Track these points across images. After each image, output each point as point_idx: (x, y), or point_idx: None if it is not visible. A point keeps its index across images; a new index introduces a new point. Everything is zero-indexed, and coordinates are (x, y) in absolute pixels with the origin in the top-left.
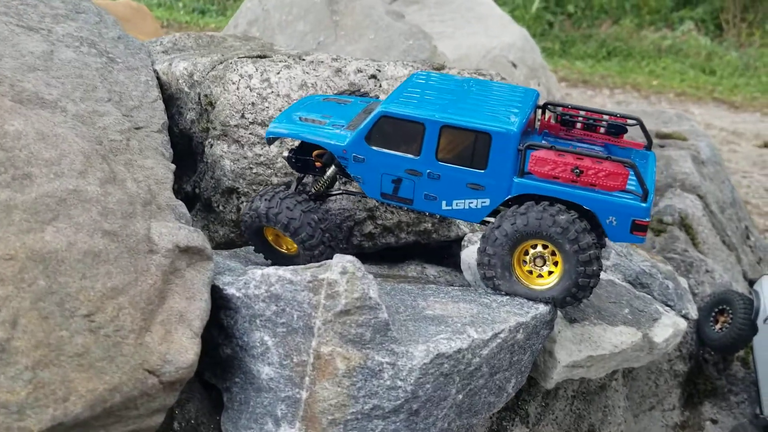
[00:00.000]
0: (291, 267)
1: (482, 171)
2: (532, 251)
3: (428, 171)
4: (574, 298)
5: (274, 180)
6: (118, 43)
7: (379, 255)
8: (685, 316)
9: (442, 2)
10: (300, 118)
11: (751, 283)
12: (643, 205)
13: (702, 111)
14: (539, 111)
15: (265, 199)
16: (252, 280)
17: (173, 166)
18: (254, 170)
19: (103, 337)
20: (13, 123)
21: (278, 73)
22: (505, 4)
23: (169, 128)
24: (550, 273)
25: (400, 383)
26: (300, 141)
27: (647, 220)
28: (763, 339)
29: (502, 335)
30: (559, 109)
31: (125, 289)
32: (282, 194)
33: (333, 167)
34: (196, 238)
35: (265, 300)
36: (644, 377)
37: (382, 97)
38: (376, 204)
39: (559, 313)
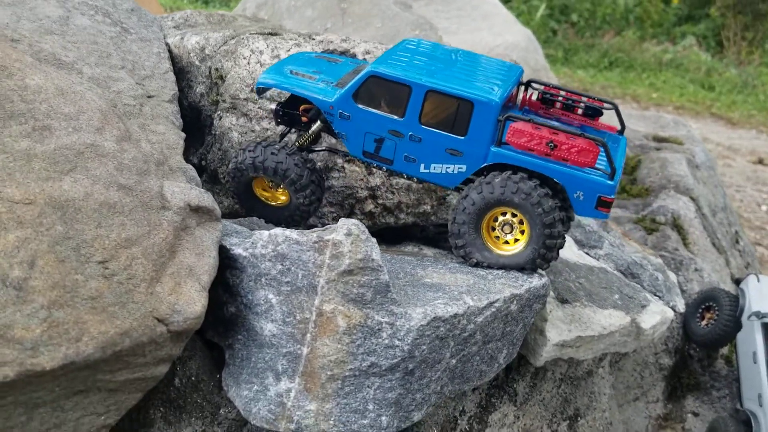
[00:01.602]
0: (297, 230)
1: (462, 137)
2: (501, 218)
3: (410, 133)
4: (543, 260)
5: None
6: (131, 14)
7: (378, 235)
8: (672, 308)
9: None
10: (291, 72)
11: (738, 282)
12: (610, 182)
13: (699, 125)
14: (522, 88)
15: (249, 150)
16: (259, 240)
17: (183, 134)
18: None
19: (116, 284)
20: (33, 77)
21: (288, 50)
22: (510, 9)
23: (179, 101)
24: (516, 240)
25: (397, 343)
26: (288, 95)
27: (612, 197)
28: (746, 335)
29: (496, 304)
30: (541, 87)
31: (138, 241)
32: (264, 143)
33: (318, 123)
34: (206, 198)
35: (271, 259)
36: (630, 369)
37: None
38: (378, 183)
39: (551, 293)
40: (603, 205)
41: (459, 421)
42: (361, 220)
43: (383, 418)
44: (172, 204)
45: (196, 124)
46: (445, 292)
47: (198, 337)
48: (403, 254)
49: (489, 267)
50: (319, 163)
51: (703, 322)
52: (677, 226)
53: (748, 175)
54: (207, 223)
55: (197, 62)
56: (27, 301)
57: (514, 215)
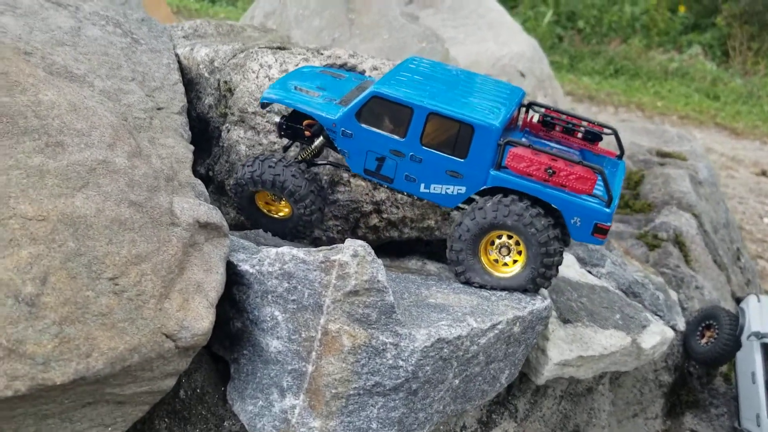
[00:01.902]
0: (304, 248)
1: (462, 160)
2: (498, 241)
3: (411, 153)
4: (543, 278)
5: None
6: (141, 25)
7: (382, 249)
8: (673, 327)
9: (456, 8)
10: (295, 87)
11: (738, 300)
12: (607, 210)
13: (703, 135)
14: (523, 109)
15: (247, 166)
16: (266, 258)
17: (192, 147)
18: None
19: (126, 300)
20: (47, 93)
21: (297, 64)
22: (517, 15)
23: (187, 112)
24: (515, 262)
25: (401, 363)
26: (293, 109)
27: (609, 224)
28: (745, 355)
29: (499, 326)
30: (542, 110)
31: (148, 257)
32: (262, 157)
33: (321, 138)
34: (214, 215)
35: (278, 277)
36: (630, 385)
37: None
38: (383, 198)
39: (553, 312)
40: (599, 232)
41: None
42: (365, 233)
43: None
44: (181, 220)
45: (204, 135)
46: (449, 313)
47: (204, 350)
48: (408, 270)
49: (482, 287)
50: (324, 177)
51: (703, 341)
52: (679, 243)
53: (750, 187)
54: (215, 239)
55: (206, 74)
56: (39, 317)
57: (509, 237)
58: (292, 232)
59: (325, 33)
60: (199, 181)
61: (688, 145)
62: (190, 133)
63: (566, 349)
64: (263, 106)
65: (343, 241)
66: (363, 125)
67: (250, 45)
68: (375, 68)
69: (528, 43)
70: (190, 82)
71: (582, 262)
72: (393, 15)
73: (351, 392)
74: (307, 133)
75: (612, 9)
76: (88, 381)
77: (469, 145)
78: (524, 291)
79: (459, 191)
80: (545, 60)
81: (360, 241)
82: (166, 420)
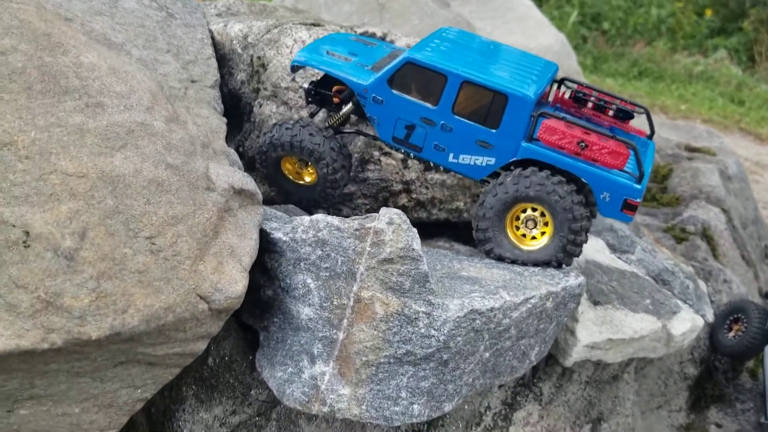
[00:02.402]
0: (339, 217)
1: (494, 130)
2: (523, 215)
3: (442, 122)
4: (573, 245)
5: None
6: (176, 0)
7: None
8: (702, 317)
9: (484, 0)
10: (327, 52)
11: (766, 295)
12: (638, 186)
13: (728, 140)
14: (555, 85)
15: (287, 128)
16: (300, 225)
17: (225, 120)
18: None
19: (162, 260)
20: (87, 55)
21: None
22: (542, 14)
23: (219, 87)
24: (543, 233)
25: (433, 332)
26: (322, 75)
27: (638, 200)
28: None
29: (532, 300)
30: (575, 86)
31: (184, 219)
32: (303, 122)
33: (350, 105)
34: (249, 182)
35: (311, 244)
36: (655, 376)
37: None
38: (413, 178)
39: (583, 294)
40: (629, 208)
41: (484, 417)
42: None
43: (415, 406)
44: (216, 185)
45: (236, 111)
46: (482, 285)
47: (233, 318)
48: (438, 248)
49: (514, 262)
50: (355, 155)
51: (731, 334)
52: (707, 237)
53: None
54: (249, 206)
55: (239, 50)
56: (77, 271)
57: (534, 210)
58: (321, 195)
59: (354, 17)
60: (233, 150)
61: (717, 141)
62: (222, 106)
63: (596, 331)
64: (293, 69)
65: None
66: (395, 91)
67: (284, 21)
68: (409, 46)
69: (556, 38)
70: (222, 58)
71: (612, 248)
72: (424, 1)
73: (381, 360)
74: (335, 99)
75: (638, 11)
76: (123, 338)
77: (501, 115)
78: (557, 263)
79: (488, 162)
80: (573, 55)
81: (396, 210)
82: (193, 387)
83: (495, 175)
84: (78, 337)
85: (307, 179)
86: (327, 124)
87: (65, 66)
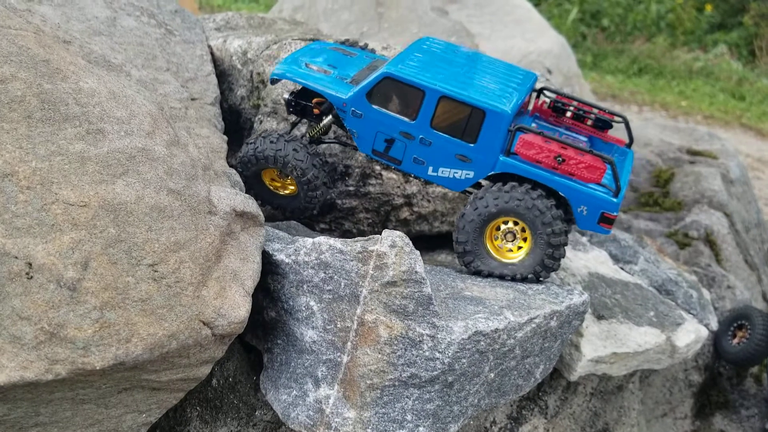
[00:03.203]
0: (341, 239)
1: (472, 144)
2: (503, 227)
3: (421, 136)
4: (551, 259)
5: None
6: (175, 16)
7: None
8: (706, 326)
9: (482, 4)
10: (306, 64)
11: None
12: (614, 200)
13: (729, 136)
14: (534, 94)
15: (271, 141)
16: (302, 248)
17: (226, 138)
18: None
19: (165, 287)
20: (87, 81)
21: None
22: (541, 12)
23: (219, 103)
24: (519, 248)
25: (438, 355)
26: (302, 86)
27: (615, 214)
28: None
29: (537, 320)
30: (554, 95)
31: (186, 245)
32: (288, 137)
33: (330, 116)
34: (251, 204)
35: (314, 267)
36: (659, 384)
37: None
38: (414, 191)
39: (588, 309)
40: (605, 221)
41: None
42: (396, 227)
43: (421, 428)
44: (218, 209)
45: (236, 127)
46: (486, 306)
47: (236, 339)
48: (441, 264)
49: (490, 275)
50: (356, 169)
51: (735, 341)
52: (710, 242)
53: None
54: (251, 228)
55: (239, 66)
56: (80, 302)
57: (515, 223)
58: (299, 208)
59: (353, 27)
60: (234, 171)
61: (719, 143)
62: (223, 123)
63: (600, 346)
64: (273, 82)
65: (374, 234)
66: (373, 106)
67: (283, 36)
68: (385, 48)
69: (555, 40)
70: (222, 74)
71: (615, 259)
72: (423, 9)
73: (386, 383)
74: (316, 110)
75: (637, 7)
76: (127, 366)
77: (479, 129)
78: (535, 276)
79: (467, 176)
80: (573, 57)
81: (398, 232)
82: (198, 408)
83: (478, 185)
84: (82, 368)
85: (287, 191)
86: (308, 135)
87: (65, 92)
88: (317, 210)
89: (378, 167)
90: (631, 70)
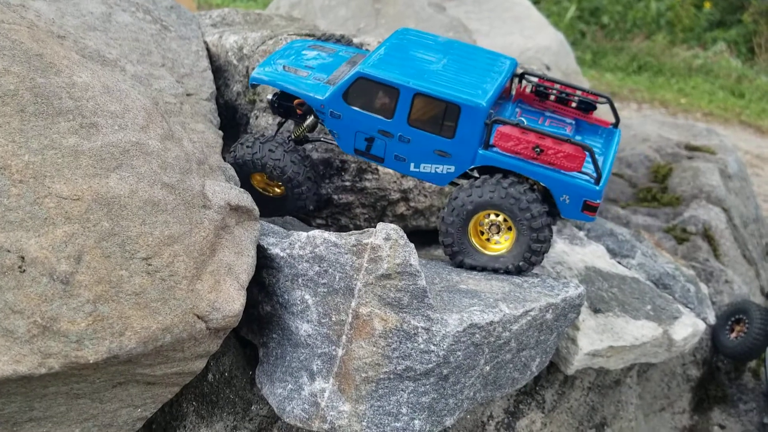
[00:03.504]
0: (336, 233)
1: (449, 139)
2: (486, 220)
3: (399, 134)
4: (528, 263)
5: (315, 155)
6: (171, 12)
7: (408, 238)
8: (703, 320)
9: (481, 0)
10: (284, 67)
11: None
12: (596, 187)
13: (728, 133)
14: (516, 79)
15: (247, 146)
16: (297, 241)
17: (221, 133)
18: None
19: (158, 280)
20: (81, 75)
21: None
22: (540, 10)
23: (215, 99)
24: (505, 239)
25: (433, 348)
26: None
27: (598, 201)
28: None
29: (532, 313)
30: (535, 79)
31: (180, 238)
32: (263, 139)
33: (312, 117)
34: (245, 198)
35: (308, 260)
36: (657, 379)
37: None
38: (411, 186)
39: (584, 302)
40: (588, 209)
41: (487, 427)
42: (392, 222)
43: (416, 421)
44: (213, 203)
45: (232, 123)
46: (481, 298)
47: (232, 334)
48: (437, 258)
49: (473, 268)
50: (353, 164)
51: (733, 335)
52: (708, 237)
53: None
54: (246, 223)
55: (235, 61)
56: (73, 295)
57: (497, 215)
58: (292, 207)
59: (350, 22)
60: (229, 166)
61: (717, 139)
62: (218, 119)
63: (597, 339)
64: (253, 86)
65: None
66: (350, 106)
67: (279, 32)
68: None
69: (554, 37)
70: (218, 70)
71: (612, 253)
72: (420, 5)
73: (381, 376)
74: (298, 111)
75: (637, 5)
76: (121, 360)
77: (456, 124)
78: (517, 269)
79: (448, 170)
80: (572, 54)
81: (392, 225)
82: (194, 403)
83: (466, 176)
84: (75, 361)
85: (277, 191)
86: (294, 135)
87: (58, 87)
88: (312, 205)
89: (374, 163)
90: (630, 68)
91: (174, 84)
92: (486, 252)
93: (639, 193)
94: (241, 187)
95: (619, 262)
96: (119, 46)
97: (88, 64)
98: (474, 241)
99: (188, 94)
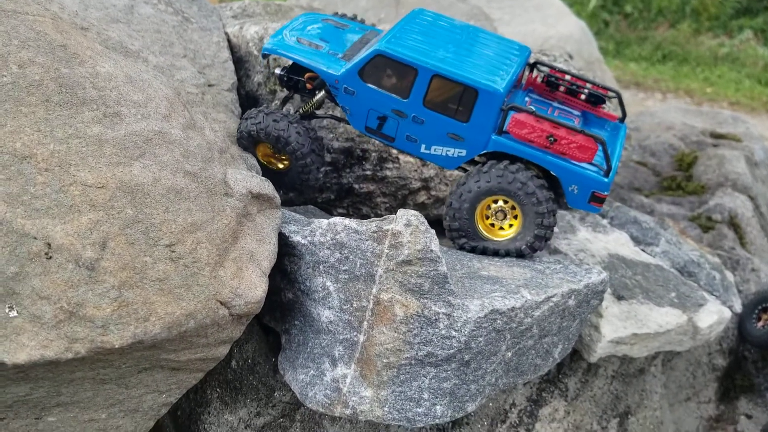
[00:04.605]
0: (356, 219)
1: (464, 123)
2: (494, 206)
3: (413, 115)
4: (531, 248)
5: (336, 144)
6: (192, 4)
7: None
8: (729, 308)
9: None
10: (298, 39)
11: None
12: (605, 179)
13: (756, 122)
14: (528, 68)
15: (251, 118)
16: (318, 228)
17: None
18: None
19: (182, 267)
20: (104, 65)
21: None
22: (563, 0)
23: (237, 89)
24: (510, 226)
25: (454, 333)
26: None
27: (606, 193)
28: None
29: (554, 299)
30: (547, 69)
31: (203, 226)
32: (267, 110)
33: (323, 92)
34: (267, 186)
35: (329, 247)
36: (683, 368)
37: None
38: (432, 175)
39: (607, 290)
40: (596, 200)
41: (509, 414)
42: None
43: (438, 407)
44: (234, 191)
45: None
46: (503, 285)
47: (255, 321)
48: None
49: (472, 251)
50: (373, 153)
51: (760, 324)
52: (734, 225)
53: None
54: (267, 210)
55: (255, 52)
56: (99, 281)
57: (505, 201)
58: (297, 181)
59: (371, 13)
60: (250, 155)
61: (743, 126)
62: (240, 109)
63: (620, 326)
64: (263, 56)
65: None
66: (366, 83)
67: None
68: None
69: (576, 25)
70: (239, 60)
71: (636, 240)
72: None
73: (403, 362)
74: (308, 85)
75: None
76: (145, 345)
77: (472, 108)
78: (519, 255)
79: (459, 154)
80: (594, 42)
81: (413, 211)
82: (218, 390)
83: (473, 162)
84: (101, 346)
85: (281, 166)
86: (301, 110)
87: (82, 77)
88: (316, 180)
89: (395, 151)
90: (654, 57)
91: (196, 75)
92: (492, 237)
93: (663, 181)
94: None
95: (643, 250)
96: (141, 38)
97: (111, 55)
98: (480, 226)
99: (210, 85)
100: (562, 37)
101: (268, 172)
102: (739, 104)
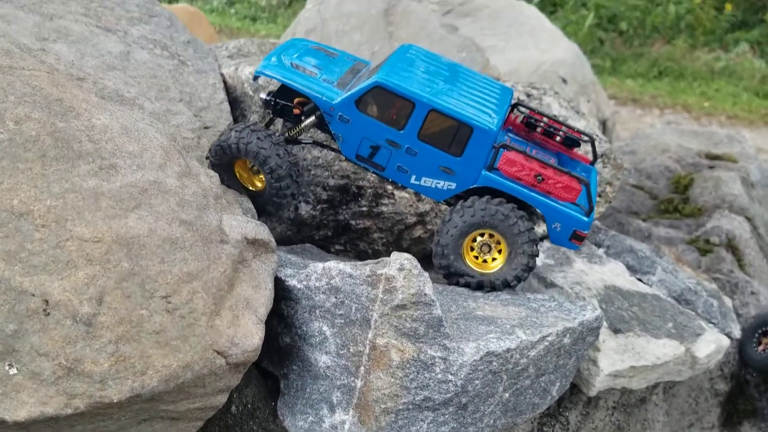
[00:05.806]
0: (351, 263)
1: (457, 158)
2: (479, 238)
3: (407, 146)
4: (517, 279)
5: (331, 182)
6: (188, 46)
7: (426, 260)
8: (728, 335)
9: (495, 16)
10: (292, 65)
11: None
12: (586, 219)
13: (754, 135)
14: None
15: (236, 131)
16: (313, 273)
17: None
18: (312, 171)
19: (178, 318)
20: (99, 117)
21: None
22: (557, 19)
23: None
24: (494, 259)
25: (450, 377)
26: (281, 85)
27: (586, 232)
28: None
29: (549, 338)
30: (527, 111)
31: (199, 275)
32: (253, 127)
33: (312, 118)
34: (262, 231)
35: (325, 292)
36: (685, 394)
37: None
38: (427, 209)
39: (604, 323)
40: (576, 238)
41: None
42: (409, 245)
43: None
44: (230, 237)
45: None
46: (498, 325)
47: (253, 365)
48: None
49: (466, 285)
50: (369, 189)
51: (760, 347)
52: (732, 247)
53: None
54: (263, 255)
55: (251, 92)
56: (96, 337)
57: (490, 235)
58: (270, 203)
59: (365, 47)
60: (246, 198)
61: (739, 146)
62: None
63: (618, 360)
64: (255, 79)
65: (388, 254)
66: (361, 112)
67: None
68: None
69: (569, 49)
70: (235, 101)
71: (632, 269)
72: (432, 27)
73: (400, 407)
74: (296, 111)
75: (655, 9)
76: (144, 398)
77: (465, 144)
78: (505, 284)
79: (449, 187)
80: (587, 65)
81: (406, 255)
82: None
83: (456, 197)
84: (100, 401)
85: (258, 185)
86: (287, 135)
87: (78, 130)
88: (290, 210)
89: (390, 187)
90: (651, 74)
91: (192, 118)
92: (480, 270)
93: (660, 204)
94: (221, 174)
95: (640, 279)
96: (137, 84)
97: (106, 106)
98: (468, 260)
99: (206, 127)
100: (556, 62)
101: (243, 191)
102: (737, 117)
